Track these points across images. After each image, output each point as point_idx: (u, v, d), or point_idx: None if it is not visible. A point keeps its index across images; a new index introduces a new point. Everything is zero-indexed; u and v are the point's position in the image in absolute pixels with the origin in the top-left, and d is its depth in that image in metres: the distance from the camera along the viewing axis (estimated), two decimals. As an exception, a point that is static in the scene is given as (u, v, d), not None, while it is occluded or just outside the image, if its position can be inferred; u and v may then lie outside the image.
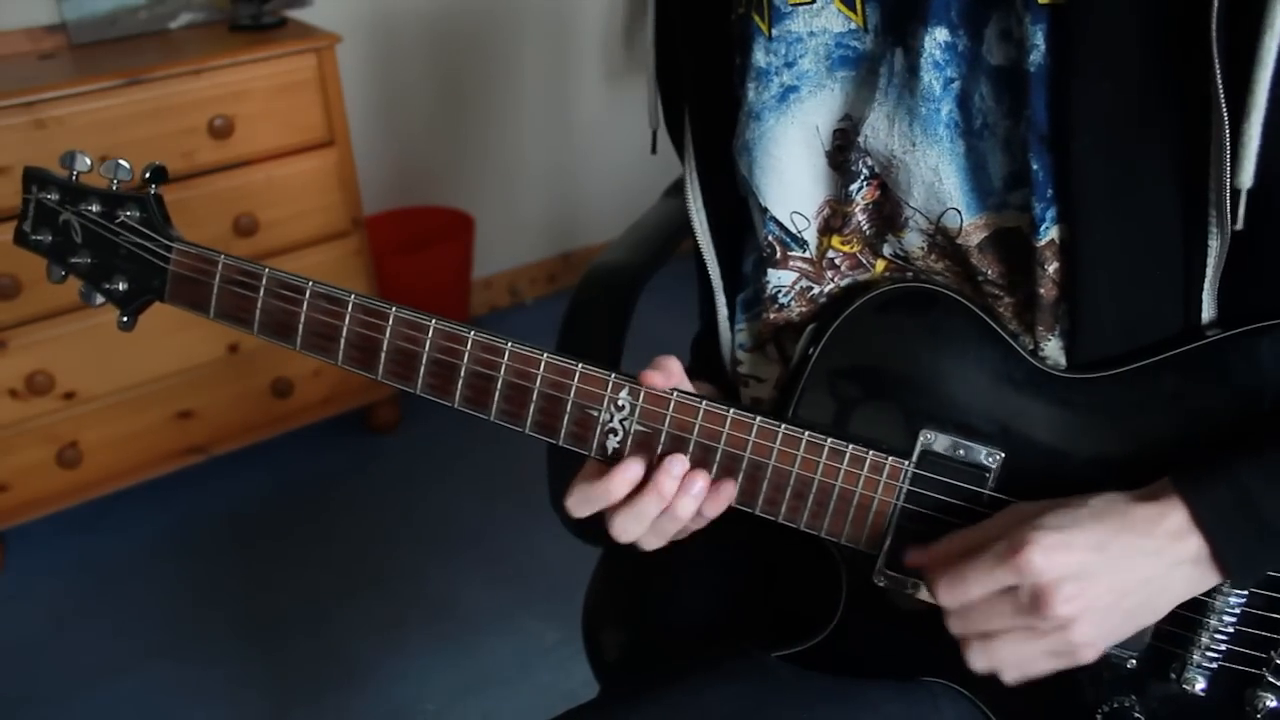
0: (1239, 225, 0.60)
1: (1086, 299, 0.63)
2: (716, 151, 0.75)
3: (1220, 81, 0.57)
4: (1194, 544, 0.59)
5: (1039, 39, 0.60)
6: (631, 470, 0.66)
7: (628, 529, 0.67)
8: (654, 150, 0.85)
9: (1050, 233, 0.63)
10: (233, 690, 1.67)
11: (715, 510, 0.68)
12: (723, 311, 0.79)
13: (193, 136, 1.78)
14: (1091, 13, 0.58)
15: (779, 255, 0.73)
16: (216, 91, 1.78)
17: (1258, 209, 0.60)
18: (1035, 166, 0.62)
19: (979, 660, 0.62)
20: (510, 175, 2.60)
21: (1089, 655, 0.61)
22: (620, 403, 0.67)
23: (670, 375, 0.67)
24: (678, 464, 0.66)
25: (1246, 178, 0.58)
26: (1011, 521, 0.62)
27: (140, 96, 1.72)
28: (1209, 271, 0.62)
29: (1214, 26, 0.56)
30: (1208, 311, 0.63)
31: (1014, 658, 0.62)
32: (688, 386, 0.68)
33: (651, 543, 0.69)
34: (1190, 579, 0.60)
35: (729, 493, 0.68)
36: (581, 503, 0.67)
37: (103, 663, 1.71)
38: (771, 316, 0.74)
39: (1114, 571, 0.59)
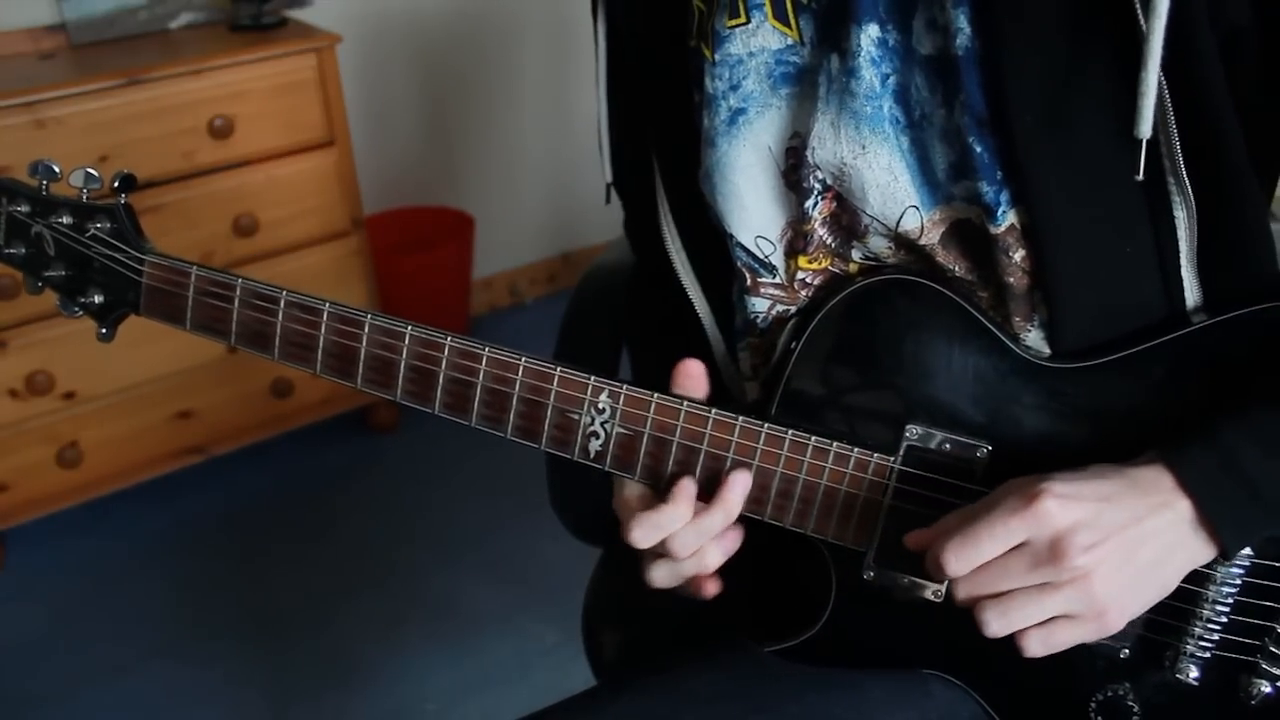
0: (1140, 176, 0.59)
1: (1058, 282, 0.63)
2: (686, 188, 0.74)
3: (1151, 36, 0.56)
4: (1185, 506, 0.59)
5: (962, 22, 0.60)
6: (689, 487, 0.66)
7: (687, 544, 0.66)
8: (608, 201, 0.84)
9: (1009, 218, 0.63)
10: (233, 690, 1.67)
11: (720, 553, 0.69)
12: (718, 348, 0.78)
13: (193, 136, 1.78)
14: None
15: (749, 282, 0.72)
16: (216, 91, 1.79)
17: (1218, 174, 0.59)
18: (979, 149, 0.61)
19: (995, 622, 0.59)
20: (510, 175, 2.60)
21: (1114, 618, 0.59)
22: (600, 405, 0.67)
23: (693, 378, 0.67)
24: (741, 481, 0.66)
25: (1146, 127, 0.58)
26: (1012, 487, 0.61)
27: (140, 96, 1.72)
28: (1182, 246, 0.62)
29: None
30: (1191, 293, 0.63)
31: (1032, 616, 0.59)
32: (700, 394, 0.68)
33: (670, 576, 0.68)
34: (1193, 543, 0.60)
35: (733, 539, 0.68)
36: (649, 531, 0.66)
37: (103, 663, 1.71)
38: (755, 341, 0.74)
39: (1124, 523, 0.58)
